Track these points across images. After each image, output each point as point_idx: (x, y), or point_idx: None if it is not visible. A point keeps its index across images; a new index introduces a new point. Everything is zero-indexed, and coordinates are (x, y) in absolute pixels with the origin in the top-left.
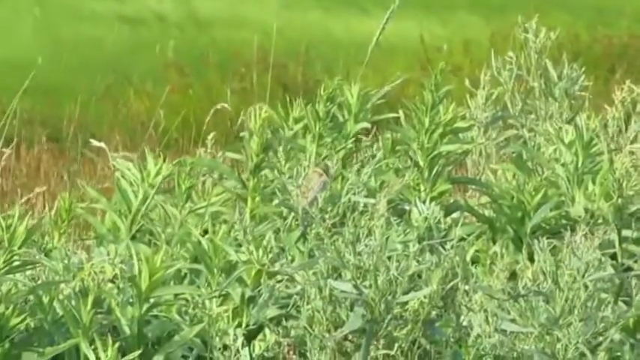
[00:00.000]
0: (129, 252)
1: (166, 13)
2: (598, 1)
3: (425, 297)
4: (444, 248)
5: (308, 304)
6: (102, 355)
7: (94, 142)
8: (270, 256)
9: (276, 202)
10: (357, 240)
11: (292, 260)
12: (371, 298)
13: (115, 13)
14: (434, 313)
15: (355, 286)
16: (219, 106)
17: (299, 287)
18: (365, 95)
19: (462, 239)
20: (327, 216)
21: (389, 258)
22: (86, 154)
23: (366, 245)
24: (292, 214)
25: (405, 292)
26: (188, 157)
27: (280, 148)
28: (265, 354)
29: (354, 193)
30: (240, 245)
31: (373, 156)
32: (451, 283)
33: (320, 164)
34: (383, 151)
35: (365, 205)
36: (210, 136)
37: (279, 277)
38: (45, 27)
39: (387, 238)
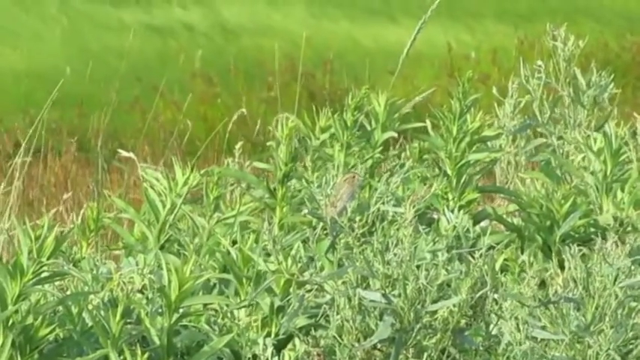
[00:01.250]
0: (158, 262)
1: (194, 23)
2: (627, 9)
3: (454, 306)
4: (473, 257)
5: (337, 313)
6: None
7: (123, 153)
8: (299, 265)
9: (304, 211)
10: (385, 249)
11: (321, 270)
12: (400, 307)
13: (142, 24)
14: (463, 321)
15: (384, 296)
16: (239, 112)
17: (328, 297)
18: (392, 104)
19: (490, 248)
20: (355, 225)
21: (418, 267)
22: (114, 164)
23: (394, 254)
24: (321, 223)
25: (434, 301)
26: (216, 166)
27: (308, 158)
28: None
29: (383, 203)
30: (268, 255)
31: (401, 165)
32: (480, 292)
33: (348, 173)
34: (411, 160)
35: (394, 215)
36: (237, 146)
37: (308, 287)
38: (73, 37)
39: (415, 247)
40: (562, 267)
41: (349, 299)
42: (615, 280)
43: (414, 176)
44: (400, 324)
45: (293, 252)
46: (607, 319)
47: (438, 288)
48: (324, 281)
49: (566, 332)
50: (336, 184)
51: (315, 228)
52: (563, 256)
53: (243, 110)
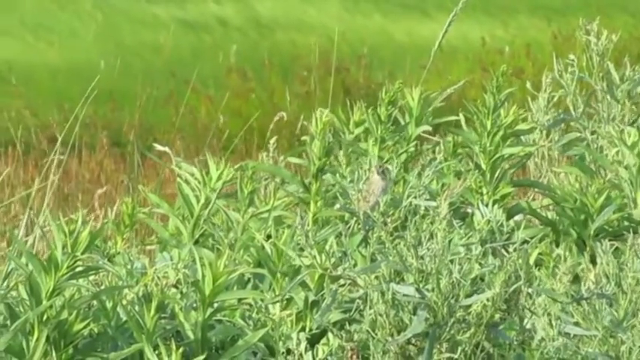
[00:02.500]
0: (192, 257)
1: (228, 18)
2: None
3: (488, 300)
4: (507, 251)
5: (371, 308)
6: None
7: (158, 147)
8: (333, 260)
9: (337, 206)
10: (419, 243)
11: (355, 264)
12: (434, 301)
13: (177, 18)
14: (497, 316)
15: (418, 290)
16: (278, 117)
17: (362, 291)
18: (426, 98)
19: (524, 242)
20: (388, 219)
21: (451, 261)
22: (149, 159)
23: (428, 249)
24: (354, 218)
25: (468, 296)
26: (250, 161)
27: (341, 152)
28: (329, 358)
29: (416, 197)
30: (302, 250)
31: (434, 159)
32: (514, 286)
33: (379, 167)
34: (444, 154)
35: (426, 209)
36: (272, 141)
37: (341, 282)
38: (107, 32)
39: (449, 242)
40: (595, 262)
41: (382, 294)
42: None
43: (448, 170)
44: (434, 318)
45: (327, 247)
46: None
47: (472, 282)
48: (358, 276)
49: (598, 328)
50: (368, 178)
51: (347, 223)
52: (596, 251)
53: (283, 114)
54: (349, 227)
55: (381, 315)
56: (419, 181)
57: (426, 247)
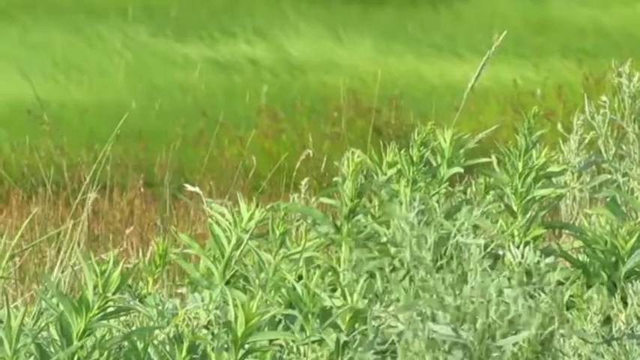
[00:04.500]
0: (223, 298)
1: (259, 59)
2: None
3: (523, 341)
4: (540, 293)
5: (406, 347)
6: None
7: (189, 187)
8: (367, 300)
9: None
10: (459, 282)
11: (391, 303)
12: (470, 341)
13: (207, 58)
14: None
15: (454, 330)
16: (304, 155)
17: (397, 330)
18: (458, 139)
19: (559, 284)
20: (429, 258)
21: (488, 302)
22: (180, 199)
23: (472, 287)
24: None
25: (504, 336)
26: (281, 202)
27: (382, 192)
28: None
29: (462, 235)
30: (334, 290)
31: (467, 201)
32: (550, 329)
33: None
34: (476, 196)
35: (462, 249)
36: (303, 182)
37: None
38: (137, 72)
39: (489, 283)
40: (626, 303)
41: (418, 333)
42: None
43: (482, 213)
44: (470, 359)
45: (358, 287)
46: None
47: (508, 324)
48: (396, 315)
49: None
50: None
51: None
52: (626, 292)
53: (310, 151)
54: (391, 265)
55: (416, 354)
56: (468, 219)
57: (470, 285)
